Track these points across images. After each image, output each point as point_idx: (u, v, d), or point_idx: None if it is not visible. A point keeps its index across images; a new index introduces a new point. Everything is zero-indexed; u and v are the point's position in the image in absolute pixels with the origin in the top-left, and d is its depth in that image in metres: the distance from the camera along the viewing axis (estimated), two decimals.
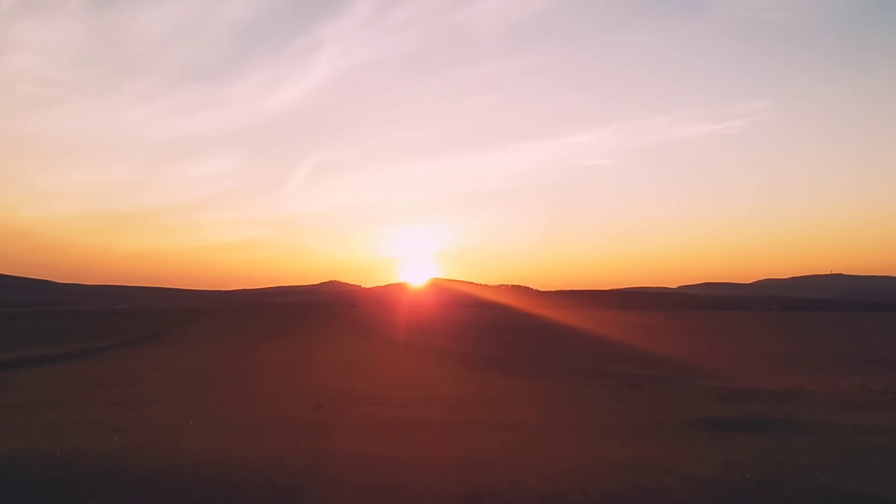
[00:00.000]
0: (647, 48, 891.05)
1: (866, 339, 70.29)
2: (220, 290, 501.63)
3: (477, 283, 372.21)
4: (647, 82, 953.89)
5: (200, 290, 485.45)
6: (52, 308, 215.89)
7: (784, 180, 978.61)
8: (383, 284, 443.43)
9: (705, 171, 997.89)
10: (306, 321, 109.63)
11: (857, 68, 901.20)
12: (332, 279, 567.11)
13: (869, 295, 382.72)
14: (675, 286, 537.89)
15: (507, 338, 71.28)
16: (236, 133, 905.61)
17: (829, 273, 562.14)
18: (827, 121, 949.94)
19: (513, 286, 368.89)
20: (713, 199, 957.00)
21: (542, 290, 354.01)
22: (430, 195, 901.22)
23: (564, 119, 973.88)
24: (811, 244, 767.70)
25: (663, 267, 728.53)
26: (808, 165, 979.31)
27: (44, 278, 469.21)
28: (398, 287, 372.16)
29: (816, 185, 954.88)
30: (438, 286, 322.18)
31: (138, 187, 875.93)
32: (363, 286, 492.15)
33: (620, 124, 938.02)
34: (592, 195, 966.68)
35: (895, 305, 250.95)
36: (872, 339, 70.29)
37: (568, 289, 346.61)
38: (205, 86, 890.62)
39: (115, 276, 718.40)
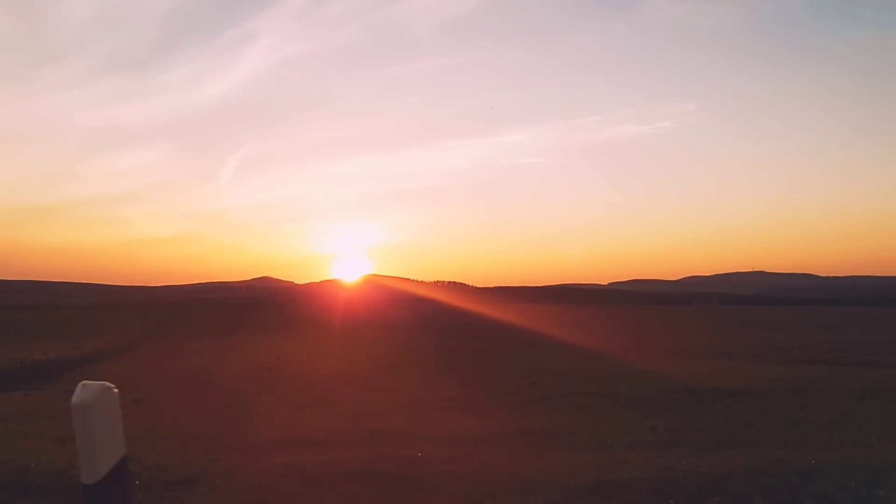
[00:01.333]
0: (579, 49, 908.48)
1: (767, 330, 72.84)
2: (148, 286, 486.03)
3: (412, 280, 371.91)
4: (579, 82, 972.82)
5: (127, 286, 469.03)
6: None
7: (709, 181, 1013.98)
8: (317, 281, 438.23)
9: (634, 170, 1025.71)
10: (248, 317, 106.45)
11: (781, 72, 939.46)
12: (265, 275, 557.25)
13: (791, 292, 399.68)
14: (606, 283, 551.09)
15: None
16: (164, 125, 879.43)
17: (751, 270, 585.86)
18: (750, 123, 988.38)
19: (448, 282, 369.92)
20: (642, 199, 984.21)
21: (477, 286, 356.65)
22: (364, 191, 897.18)
23: (499, 117, 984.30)
24: (733, 242, 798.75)
25: (594, 264, 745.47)
26: (731, 166, 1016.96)
27: None
28: (332, 283, 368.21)
29: (739, 185, 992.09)
30: (373, 282, 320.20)
31: (60, 179, 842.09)
32: (296, 282, 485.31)
33: (553, 123, 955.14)
34: (526, 193, 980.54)
35: (820, 300, 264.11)
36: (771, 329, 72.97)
37: (503, 285, 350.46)
38: (131, 75, 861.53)
39: (34, 271, 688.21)
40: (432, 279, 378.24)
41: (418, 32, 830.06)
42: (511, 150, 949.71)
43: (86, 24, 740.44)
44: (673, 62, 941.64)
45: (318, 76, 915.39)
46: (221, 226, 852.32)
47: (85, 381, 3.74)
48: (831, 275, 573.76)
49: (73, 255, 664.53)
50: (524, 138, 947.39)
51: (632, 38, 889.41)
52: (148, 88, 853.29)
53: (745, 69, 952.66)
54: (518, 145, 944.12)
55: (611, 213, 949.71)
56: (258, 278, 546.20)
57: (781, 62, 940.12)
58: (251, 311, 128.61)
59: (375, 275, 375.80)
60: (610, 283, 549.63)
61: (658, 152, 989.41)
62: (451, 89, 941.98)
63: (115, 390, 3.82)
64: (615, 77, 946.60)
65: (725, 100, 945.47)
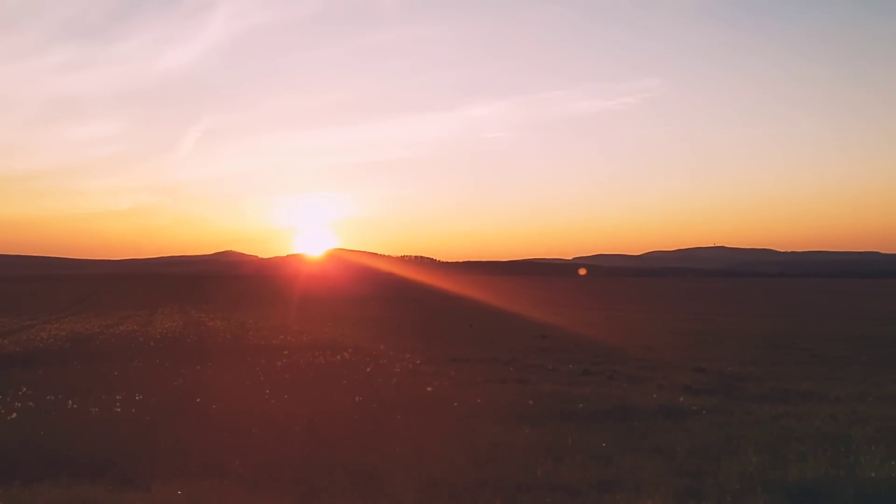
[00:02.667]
0: (544, 22, 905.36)
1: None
2: (108, 260, 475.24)
3: (379, 254, 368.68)
4: (543, 56, 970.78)
5: (85, 259, 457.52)
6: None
7: (672, 157, 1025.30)
8: (283, 255, 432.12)
9: (599, 146, 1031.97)
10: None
11: (742, 48, 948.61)
12: (228, 249, 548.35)
13: (754, 266, 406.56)
14: (570, 257, 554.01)
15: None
16: (122, 95, 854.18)
17: (713, 245, 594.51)
18: (712, 99, 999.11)
19: (416, 257, 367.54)
20: (605, 174, 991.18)
21: (445, 260, 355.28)
22: (329, 164, 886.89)
23: (464, 90, 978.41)
24: (695, 218, 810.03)
25: (559, 239, 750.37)
26: (693, 143, 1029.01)
27: None
28: (296, 258, 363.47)
29: (701, 162, 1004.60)
30: (338, 257, 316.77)
31: (11, 151, 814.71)
32: (260, 256, 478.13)
33: (518, 97, 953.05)
34: (491, 167, 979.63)
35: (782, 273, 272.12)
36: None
37: (470, 259, 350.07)
38: (87, 43, 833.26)
39: None
40: (399, 254, 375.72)
41: (383, 3, 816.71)
42: (476, 124, 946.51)
43: None
44: (637, 37, 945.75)
45: (281, 46, 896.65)
46: (181, 199, 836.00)
47: None
48: (790, 250, 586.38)
49: (23, 228, 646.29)
50: (489, 112, 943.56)
51: (598, 13, 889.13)
52: (104, 57, 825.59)
53: (708, 45, 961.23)
54: (483, 119, 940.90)
55: (574, 188, 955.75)
56: (221, 252, 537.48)
57: (745, 38, 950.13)
58: (271, 286, 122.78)
59: (342, 249, 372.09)
60: (574, 258, 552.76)
61: (621, 128, 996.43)
62: (416, 61, 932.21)
63: None
64: (580, 51, 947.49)
65: (689, 76, 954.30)
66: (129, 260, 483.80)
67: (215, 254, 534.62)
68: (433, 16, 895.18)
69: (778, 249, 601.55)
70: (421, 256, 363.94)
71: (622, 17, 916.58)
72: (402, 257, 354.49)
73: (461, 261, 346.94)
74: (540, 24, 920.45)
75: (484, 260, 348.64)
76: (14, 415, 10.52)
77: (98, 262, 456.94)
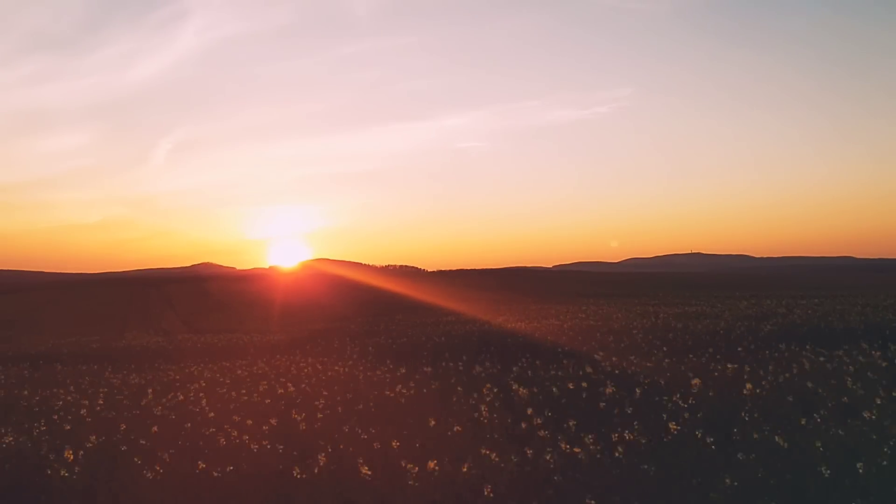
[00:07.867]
0: (518, 33, 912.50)
1: None
2: (83, 273, 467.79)
3: (364, 264, 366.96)
4: (518, 67, 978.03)
5: (58, 273, 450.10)
6: None
7: (645, 165, 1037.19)
8: (263, 267, 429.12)
9: (573, 155, 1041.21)
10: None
11: (713, 57, 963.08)
12: (204, 261, 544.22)
13: (732, 271, 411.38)
14: (551, 265, 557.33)
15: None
16: (92, 106, 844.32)
17: (690, 252, 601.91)
18: (685, 107, 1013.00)
19: (400, 266, 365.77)
20: (580, 183, 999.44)
21: (430, 269, 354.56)
22: (303, 174, 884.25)
23: (438, 100, 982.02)
24: (672, 225, 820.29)
25: (540, 247, 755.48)
26: (667, 151, 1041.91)
27: None
28: (276, 269, 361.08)
29: (675, 169, 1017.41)
30: (318, 268, 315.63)
31: None
32: (238, 268, 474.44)
33: (492, 107, 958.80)
34: (466, 177, 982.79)
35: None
36: None
37: (455, 268, 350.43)
38: (57, 54, 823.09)
39: None
40: (384, 263, 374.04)
41: (357, 13, 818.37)
42: (451, 134, 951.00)
43: (9, 0, 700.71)
44: (610, 47, 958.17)
45: (254, 57, 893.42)
46: (153, 211, 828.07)
47: None
48: (765, 255, 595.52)
49: None
50: (463, 122, 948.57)
51: (570, 23, 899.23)
52: (74, 68, 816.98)
53: (679, 55, 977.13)
54: (457, 129, 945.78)
55: (549, 198, 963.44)
56: (200, 264, 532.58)
57: (717, 47, 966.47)
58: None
59: (324, 259, 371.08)
60: (555, 266, 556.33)
61: (596, 137, 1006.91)
62: (389, 72, 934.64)
63: None
64: (554, 61, 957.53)
65: (661, 85, 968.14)
66: (106, 273, 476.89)
67: (193, 266, 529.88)
68: (406, 26, 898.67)
69: (753, 255, 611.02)
70: (406, 266, 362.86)
71: (595, 27, 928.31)
72: (387, 267, 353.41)
73: (448, 269, 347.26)
74: (513, 35, 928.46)
75: (468, 268, 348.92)
76: None
77: (73, 275, 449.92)
